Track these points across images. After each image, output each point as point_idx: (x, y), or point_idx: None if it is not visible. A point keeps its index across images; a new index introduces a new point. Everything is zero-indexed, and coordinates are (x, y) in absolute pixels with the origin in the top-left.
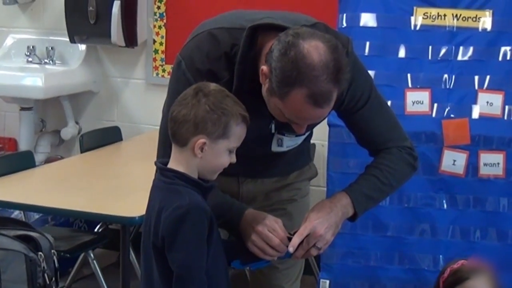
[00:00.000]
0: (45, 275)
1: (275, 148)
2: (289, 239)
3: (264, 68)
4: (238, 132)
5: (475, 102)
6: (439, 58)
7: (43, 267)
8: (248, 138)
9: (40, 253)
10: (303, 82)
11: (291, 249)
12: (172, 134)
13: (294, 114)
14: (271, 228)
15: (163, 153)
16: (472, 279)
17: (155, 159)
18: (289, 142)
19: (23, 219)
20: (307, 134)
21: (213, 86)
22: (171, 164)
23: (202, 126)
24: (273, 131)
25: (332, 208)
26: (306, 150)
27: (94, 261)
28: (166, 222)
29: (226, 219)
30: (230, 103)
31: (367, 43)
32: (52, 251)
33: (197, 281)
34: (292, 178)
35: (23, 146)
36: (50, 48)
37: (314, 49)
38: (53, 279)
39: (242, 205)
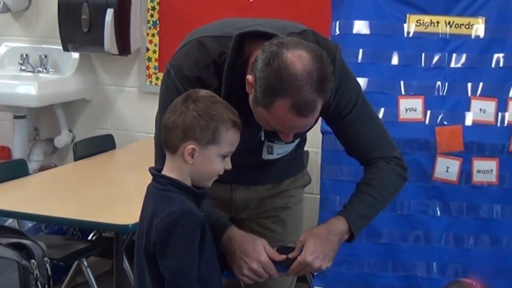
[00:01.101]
0: (38, 282)
1: (265, 155)
2: (283, 250)
3: (249, 77)
4: (229, 138)
5: (468, 109)
6: (432, 65)
7: (36, 275)
8: (239, 146)
9: (33, 260)
10: (287, 92)
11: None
12: (163, 141)
13: (279, 124)
14: (261, 261)
15: (159, 162)
16: None
17: (148, 167)
18: (280, 150)
19: (17, 227)
20: (297, 141)
21: (203, 92)
22: (165, 171)
23: (190, 132)
24: (262, 138)
25: (328, 238)
26: (299, 157)
27: (88, 269)
28: (158, 228)
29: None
30: (220, 109)
31: (360, 50)
32: (45, 258)
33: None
34: (286, 186)
35: (16, 154)
36: (43, 56)
37: (298, 59)
38: (46, 286)
39: (225, 224)
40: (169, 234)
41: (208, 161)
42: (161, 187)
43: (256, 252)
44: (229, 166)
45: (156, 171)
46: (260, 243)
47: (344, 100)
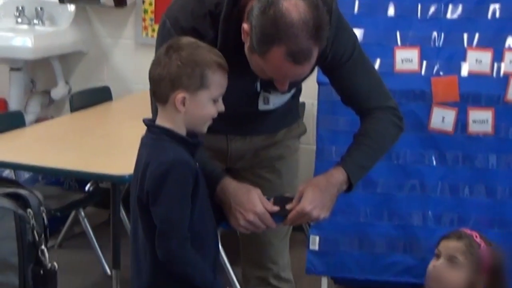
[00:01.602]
0: (34, 232)
1: (261, 106)
2: (280, 200)
3: (245, 26)
4: (217, 80)
5: (464, 60)
6: (428, 16)
7: (32, 224)
8: (234, 97)
9: (29, 210)
10: (282, 40)
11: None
12: (153, 94)
13: (274, 72)
14: (256, 213)
15: (156, 113)
16: None
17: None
18: (276, 100)
19: (14, 179)
20: (293, 91)
21: (184, 40)
22: (159, 122)
23: (177, 81)
24: (258, 89)
25: (327, 188)
26: (294, 107)
27: (85, 220)
28: (151, 177)
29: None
30: (203, 53)
31: (356, 2)
32: (41, 208)
33: (179, 236)
34: (281, 136)
35: (13, 106)
36: (39, 9)
37: (294, 7)
38: (42, 236)
39: (219, 175)
40: (161, 183)
41: (200, 106)
42: (154, 137)
43: (251, 203)
44: (222, 108)
45: (150, 122)
46: (254, 193)
47: (341, 51)
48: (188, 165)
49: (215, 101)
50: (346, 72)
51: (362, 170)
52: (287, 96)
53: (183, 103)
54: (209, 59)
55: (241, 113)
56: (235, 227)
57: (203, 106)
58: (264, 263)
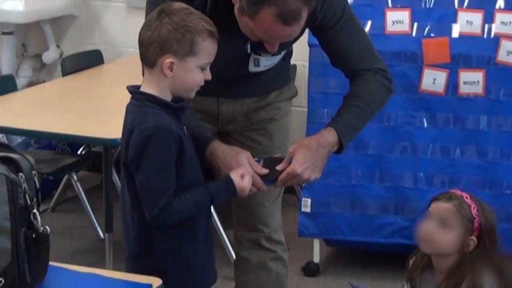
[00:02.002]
0: (26, 196)
1: (252, 68)
2: (270, 161)
3: None
4: (206, 48)
5: (455, 21)
6: None
7: (24, 188)
8: (225, 59)
9: (21, 174)
10: (271, 0)
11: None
12: (141, 57)
13: (264, 33)
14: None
15: None
16: None
17: (136, 82)
18: (266, 62)
19: (6, 143)
20: (283, 53)
21: (176, 5)
22: (144, 87)
23: (167, 46)
24: (249, 51)
25: (318, 149)
26: (285, 69)
27: (78, 183)
28: (133, 144)
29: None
30: (195, 20)
31: None
32: (33, 172)
33: (162, 203)
34: (272, 98)
35: (4, 70)
36: None
37: None
38: (34, 199)
39: (208, 138)
40: (142, 151)
41: (187, 73)
42: (138, 103)
43: (240, 166)
44: (208, 76)
45: (133, 88)
46: (243, 156)
47: (330, 13)
48: (170, 131)
49: (202, 69)
50: (336, 34)
51: (353, 132)
52: (278, 58)
53: (171, 68)
54: (201, 26)
55: (232, 75)
56: None
57: (190, 73)
58: (256, 226)
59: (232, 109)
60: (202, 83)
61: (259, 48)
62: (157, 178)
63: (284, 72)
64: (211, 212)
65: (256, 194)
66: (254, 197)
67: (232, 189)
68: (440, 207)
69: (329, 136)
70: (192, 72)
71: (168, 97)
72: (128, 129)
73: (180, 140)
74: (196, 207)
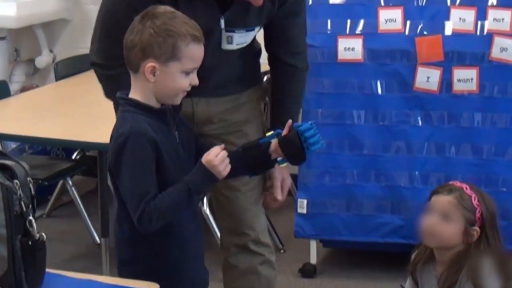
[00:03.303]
0: (22, 202)
1: (225, 45)
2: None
3: None
4: (189, 53)
5: (447, 19)
6: None
7: (20, 195)
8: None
9: (16, 181)
10: None
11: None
12: (126, 62)
13: None
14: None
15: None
16: None
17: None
18: (239, 39)
19: (0, 150)
20: (257, 29)
21: (161, 8)
22: (131, 93)
23: (148, 50)
24: (222, 26)
25: None
26: (257, 68)
27: (73, 188)
28: (111, 151)
29: None
30: (178, 24)
31: None
32: (28, 178)
33: (140, 207)
34: (244, 98)
35: None
36: None
37: None
38: (30, 206)
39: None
40: (119, 157)
41: (170, 78)
42: (121, 109)
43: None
44: (195, 82)
45: (120, 94)
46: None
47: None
48: (143, 134)
49: (187, 74)
50: (290, 23)
51: None
52: (250, 36)
53: (153, 73)
54: (184, 30)
55: (204, 58)
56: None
57: (173, 78)
58: (242, 230)
59: (206, 109)
60: (188, 89)
61: (233, 23)
62: (136, 182)
63: (255, 71)
64: (197, 214)
65: (239, 199)
66: (237, 201)
67: (202, 168)
68: (441, 200)
69: None
70: (175, 77)
71: (152, 102)
72: (111, 135)
73: (155, 143)
74: (174, 201)
